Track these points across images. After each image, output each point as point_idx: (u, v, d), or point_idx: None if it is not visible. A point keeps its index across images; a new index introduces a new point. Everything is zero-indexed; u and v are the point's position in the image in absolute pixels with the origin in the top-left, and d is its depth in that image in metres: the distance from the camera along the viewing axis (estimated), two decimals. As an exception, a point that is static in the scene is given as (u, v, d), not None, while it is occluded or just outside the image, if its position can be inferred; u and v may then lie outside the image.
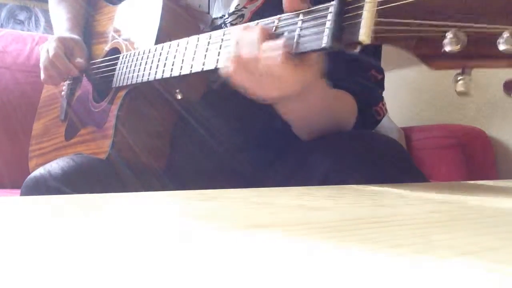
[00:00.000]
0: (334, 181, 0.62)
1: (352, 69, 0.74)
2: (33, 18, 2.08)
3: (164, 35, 0.83)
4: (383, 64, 0.81)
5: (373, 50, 0.78)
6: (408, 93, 1.91)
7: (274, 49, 0.57)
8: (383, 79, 0.81)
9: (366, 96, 0.76)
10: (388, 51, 0.55)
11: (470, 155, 1.55)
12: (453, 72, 0.46)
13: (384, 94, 0.82)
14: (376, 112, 0.79)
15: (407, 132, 1.70)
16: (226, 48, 0.65)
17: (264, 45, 0.58)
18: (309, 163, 0.68)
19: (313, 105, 0.68)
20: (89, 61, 1.02)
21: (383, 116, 0.81)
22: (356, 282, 0.20)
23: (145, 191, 0.47)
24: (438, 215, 0.37)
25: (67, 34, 1.03)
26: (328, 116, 0.73)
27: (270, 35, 0.59)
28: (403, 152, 0.71)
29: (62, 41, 0.99)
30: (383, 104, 0.81)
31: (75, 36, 1.03)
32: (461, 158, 1.55)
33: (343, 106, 0.75)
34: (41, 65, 1.02)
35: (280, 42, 0.57)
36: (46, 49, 1.00)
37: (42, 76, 1.02)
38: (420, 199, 0.46)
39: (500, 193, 0.55)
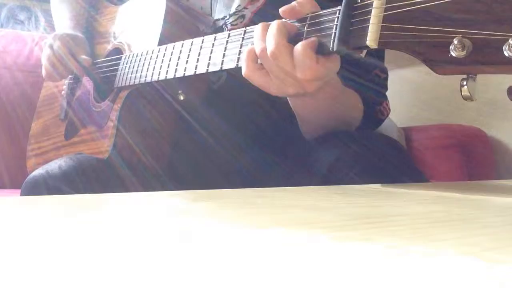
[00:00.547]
0: (335, 180, 0.62)
1: (357, 68, 0.74)
2: (33, 18, 2.08)
3: (167, 37, 0.83)
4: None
5: (377, 50, 0.78)
6: (408, 93, 1.91)
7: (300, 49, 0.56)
8: (386, 78, 0.81)
9: (370, 96, 0.76)
10: (389, 51, 0.55)
11: (470, 155, 1.55)
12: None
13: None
14: (379, 112, 0.79)
15: (407, 132, 1.70)
16: (232, 50, 0.65)
17: (284, 41, 0.57)
18: (310, 162, 0.68)
19: (327, 101, 0.68)
20: (92, 60, 1.02)
21: (387, 116, 0.81)
22: (355, 282, 0.20)
23: (145, 191, 0.47)
24: (438, 215, 0.37)
25: (71, 32, 1.03)
26: (338, 113, 0.73)
27: (289, 31, 0.58)
28: (403, 152, 0.71)
29: (65, 38, 0.99)
30: (387, 104, 0.81)
31: (79, 34, 1.02)
32: (461, 158, 1.55)
33: (352, 104, 0.75)
34: (43, 61, 1.01)
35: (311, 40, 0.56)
36: (49, 44, 0.99)
37: (44, 72, 1.01)
38: (419, 199, 0.46)
39: (499, 193, 0.55)
